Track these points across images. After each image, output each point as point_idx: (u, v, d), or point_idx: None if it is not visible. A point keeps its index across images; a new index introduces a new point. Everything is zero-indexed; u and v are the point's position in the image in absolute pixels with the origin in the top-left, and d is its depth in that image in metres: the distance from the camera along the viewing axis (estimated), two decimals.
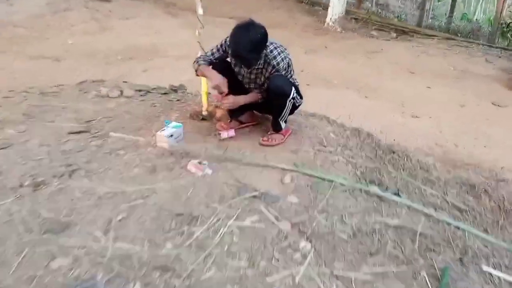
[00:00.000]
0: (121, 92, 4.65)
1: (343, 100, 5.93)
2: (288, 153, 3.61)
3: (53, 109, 4.30)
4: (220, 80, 3.45)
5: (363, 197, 3.09)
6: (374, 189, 3.18)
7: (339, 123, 4.39)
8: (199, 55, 3.73)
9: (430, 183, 3.51)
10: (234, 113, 3.95)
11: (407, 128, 5.18)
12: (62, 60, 7.39)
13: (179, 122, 3.80)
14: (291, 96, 3.51)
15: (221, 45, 3.57)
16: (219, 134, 3.76)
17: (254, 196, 2.95)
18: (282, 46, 3.47)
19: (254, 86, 3.65)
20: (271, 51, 3.37)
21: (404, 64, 8.78)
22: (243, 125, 4.03)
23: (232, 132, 3.74)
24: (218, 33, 3.94)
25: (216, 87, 3.51)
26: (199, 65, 3.60)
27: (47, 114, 4.16)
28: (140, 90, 4.82)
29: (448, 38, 11.53)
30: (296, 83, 3.64)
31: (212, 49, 3.65)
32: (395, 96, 6.49)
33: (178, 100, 4.61)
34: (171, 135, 3.57)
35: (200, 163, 3.28)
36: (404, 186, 3.40)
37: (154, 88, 4.99)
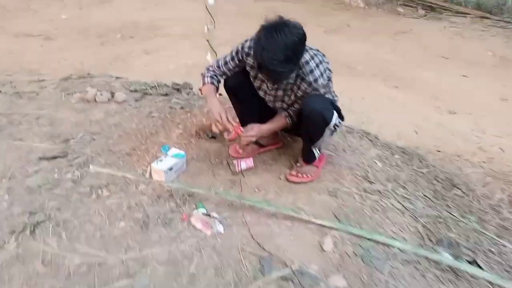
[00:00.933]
0: (112, 94, 3.74)
1: (369, 91, 4.99)
2: (325, 196, 2.77)
3: (25, 119, 3.44)
4: (219, 114, 2.62)
5: (432, 273, 2.24)
6: (446, 257, 2.31)
7: (384, 142, 3.49)
8: (210, 64, 2.80)
9: (507, 233, 2.63)
10: None
11: (445, 128, 4.28)
12: (52, 39, 6.43)
13: (181, 149, 2.97)
14: (331, 124, 2.63)
15: (237, 52, 2.70)
16: (233, 163, 2.92)
17: (284, 278, 2.10)
18: (320, 53, 2.59)
19: (281, 106, 2.75)
20: (307, 62, 2.48)
21: (436, 48, 7.75)
22: (264, 149, 3.19)
23: (250, 162, 2.87)
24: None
25: (216, 125, 2.70)
26: (203, 83, 2.77)
27: (16, 127, 3.31)
28: (135, 91, 3.92)
29: (482, 17, 10.39)
30: (336, 99, 2.72)
31: (226, 57, 2.77)
32: (427, 87, 5.51)
33: (182, 108, 3.69)
34: (171, 168, 2.70)
35: (208, 215, 2.42)
36: (479, 243, 2.52)
37: (153, 87, 4.07)
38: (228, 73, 2.78)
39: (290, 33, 2.22)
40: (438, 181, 3.13)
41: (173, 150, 2.87)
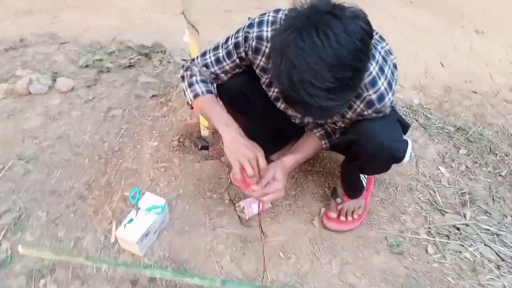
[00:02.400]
0: (54, 80, 2.63)
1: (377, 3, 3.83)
2: (387, 254, 1.90)
3: None
4: (250, 166, 1.56)
5: None
6: None
7: (436, 118, 2.55)
8: (190, 60, 1.81)
9: None
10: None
11: (474, 56, 3.28)
12: None
13: (160, 185, 2.11)
14: (406, 160, 1.63)
15: (237, 45, 1.64)
16: (240, 206, 1.99)
17: None
18: (376, 33, 1.58)
19: (314, 125, 1.73)
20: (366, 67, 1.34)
21: None
22: None
23: (266, 205, 1.88)
24: None
25: (239, 175, 1.61)
26: (194, 95, 1.71)
27: None
28: (86, 67, 2.80)
29: None
30: (395, 106, 1.69)
31: (218, 51, 1.70)
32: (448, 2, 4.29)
33: (154, 96, 2.60)
34: (147, 234, 1.76)
35: None
36: None
37: (112, 53, 2.95)
38: (223, 77, 1.74)
39: (347, 33, 1.14)
40: None
41: (147, 199, 1.89)
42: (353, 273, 1.80)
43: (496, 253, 1.90)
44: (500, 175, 2.31)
